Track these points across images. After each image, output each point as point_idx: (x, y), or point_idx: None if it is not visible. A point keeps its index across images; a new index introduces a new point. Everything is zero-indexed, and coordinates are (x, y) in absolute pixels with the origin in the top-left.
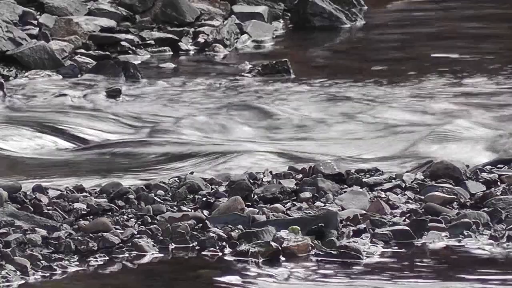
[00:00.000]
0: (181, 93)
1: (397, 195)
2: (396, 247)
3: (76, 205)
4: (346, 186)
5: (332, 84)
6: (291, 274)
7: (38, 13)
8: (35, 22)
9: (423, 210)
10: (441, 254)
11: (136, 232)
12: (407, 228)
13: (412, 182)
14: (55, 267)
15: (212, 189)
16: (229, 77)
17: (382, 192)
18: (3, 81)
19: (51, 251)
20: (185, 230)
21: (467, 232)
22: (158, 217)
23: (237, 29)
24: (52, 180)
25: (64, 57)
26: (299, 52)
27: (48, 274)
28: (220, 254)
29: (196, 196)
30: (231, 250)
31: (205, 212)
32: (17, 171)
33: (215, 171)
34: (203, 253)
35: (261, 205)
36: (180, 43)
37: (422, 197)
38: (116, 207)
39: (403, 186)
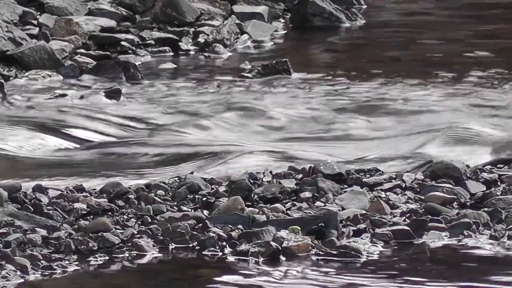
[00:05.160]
0: (181, 93)
1: (397, 195)
2: (396, 247)
3: (76, 205)
4: (346, 186)
5: (332, 84)
6: (291, 274)
7: (38, 13)
8: (35, 22)
9: (423, 210)
10: (441, 254)
11: (136, 232)
12: (407, 228)
13: (412, 182)
14: (55, 267)
15: (212, 189)
16: (229, 77)
17: (382, 192)
18: (3, 81)
19: (51, 251)
20: (185, 230)
21: (467, 232)
22: (158, 217)
23: (237, 29)
24: (52, 180)
25: (64, 57)
26: (299, 52)
27: (48, 274)
28: (220, 254)
29: (196, 196)
30: (231, 250)
31: (205, 212)
32: (17, 171)
33: (215, 171)
34: (203, 253)
35: (261, 205)
36: (180, 43)
37: (422, 197)
38: (116, 207)
39: (403, 186)
